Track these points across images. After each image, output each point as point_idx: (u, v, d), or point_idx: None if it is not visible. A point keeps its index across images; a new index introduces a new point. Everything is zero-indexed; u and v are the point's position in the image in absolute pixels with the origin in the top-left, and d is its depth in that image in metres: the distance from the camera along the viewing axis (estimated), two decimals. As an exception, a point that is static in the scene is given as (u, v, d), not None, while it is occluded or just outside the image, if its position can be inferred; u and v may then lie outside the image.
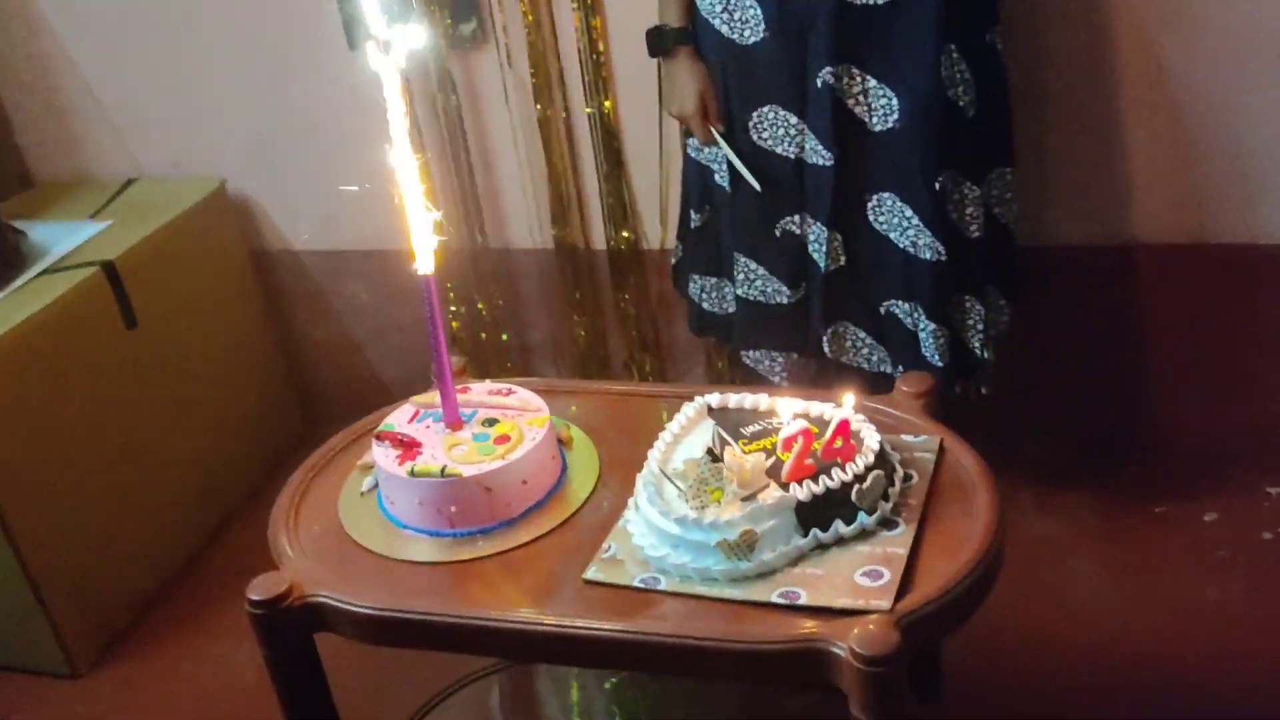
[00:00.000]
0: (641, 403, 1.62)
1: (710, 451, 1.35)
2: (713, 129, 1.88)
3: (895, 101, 1.76)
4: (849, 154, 1.81)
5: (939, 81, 1.74)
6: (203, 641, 2.26)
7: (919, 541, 1.26)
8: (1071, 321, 2.26)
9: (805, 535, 1.26)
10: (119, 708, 2.14)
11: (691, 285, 2.09)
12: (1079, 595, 2.04)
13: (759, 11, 1.77)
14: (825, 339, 1.96)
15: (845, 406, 1.31)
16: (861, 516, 1.27)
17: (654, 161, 2.30)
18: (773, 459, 1.31)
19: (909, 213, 1.81)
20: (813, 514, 1.26)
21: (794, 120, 1.83)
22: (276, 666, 1.37)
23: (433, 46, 2.27)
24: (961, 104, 1.78)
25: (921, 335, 1.88)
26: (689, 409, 1.43)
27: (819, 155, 1.82)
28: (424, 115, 2.39)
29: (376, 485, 1.48)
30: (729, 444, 1.34)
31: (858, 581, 1.22)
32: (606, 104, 2.28)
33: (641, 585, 1.27)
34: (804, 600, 1.21)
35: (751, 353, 2.04)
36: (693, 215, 2.01)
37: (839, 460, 1.29)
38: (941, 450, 1.39)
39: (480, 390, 1.51)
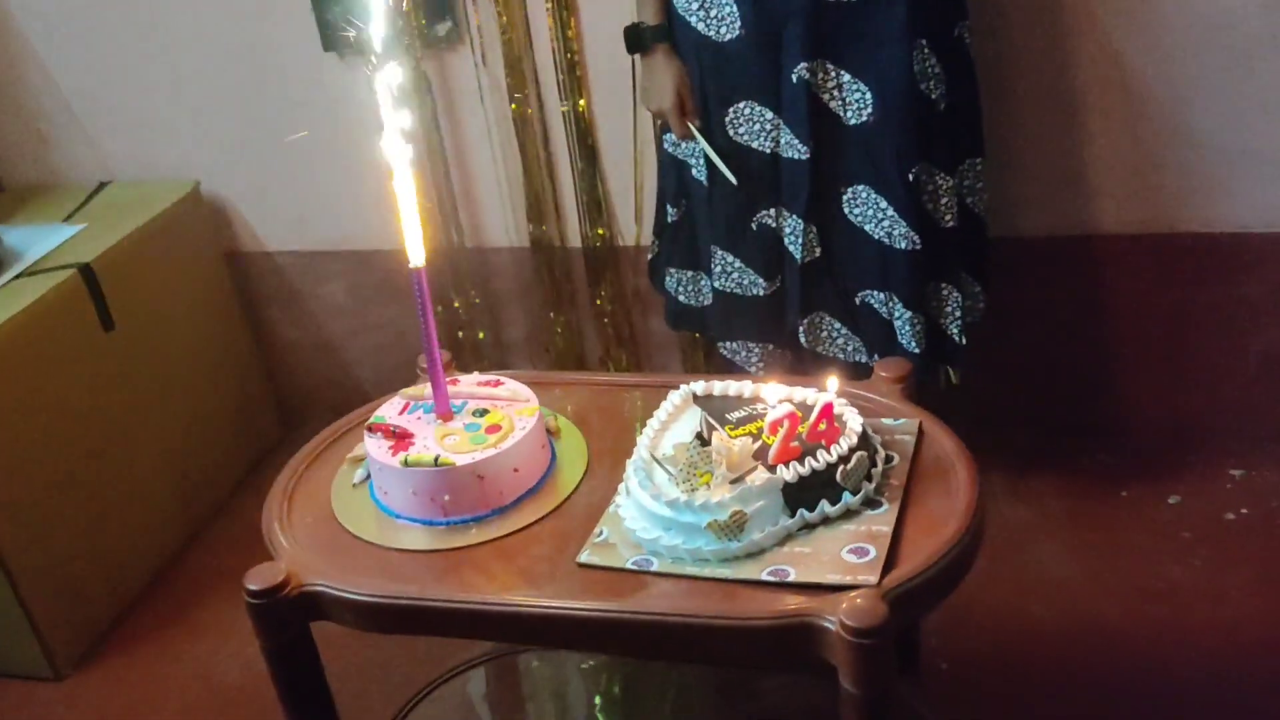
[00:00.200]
0: (625, 393, 1.65)
1: (699, 436, 1.38)
2: (690, 124, 1.92)
3: (869, 95, 1.81)
4: (824, 147, 1.85)
5: (911, 76, 1.79)
6: (184, 642, 2.26)
7: (902, 519, 1.30)
8: (1037, 311, 2.31)
9: (793, 515, 1.29)
10: (101, 709, 2.14)
11: (668, 279, 2.12)
12: (1048, 575, 2.10)
13: (735, 9, 1.81)
14: (801, 329, 2.00)
15: (829, 390, 1.35)
16: (846, 496, 1.31)
17: (628, 159, 2.34)
18: (759, 442, 1.34)
19: (884, 204, 1.86)
20: (799, 494, 1.29)
21: (769, 115, 1.87)
22: (274, 656, 1.38)
23: (407, 46, 2.29)
24: (933, 97, 1.82)
25: (897, 323, 1.92)
26: (675, 396, 1.46)
27: (794, 149, 1.87)
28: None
29: (368, 477, 1.50)
30: (716, 429, 1.37)
31: (845, 558, 1.25)
32: (581, 103, 2.31)
33: (634, 567, 1.29)
34: (793, 577, 1.24)
35: (729, 344, 2.08)
36: (669, 210, 2.05)
37: (823, 443, 1.33)
38: (921, 432, 1.43)
39: (469, 382, 1.54)
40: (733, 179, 1.91)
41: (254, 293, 2.72)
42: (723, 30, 1.84)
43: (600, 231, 2.41)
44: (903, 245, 1.87)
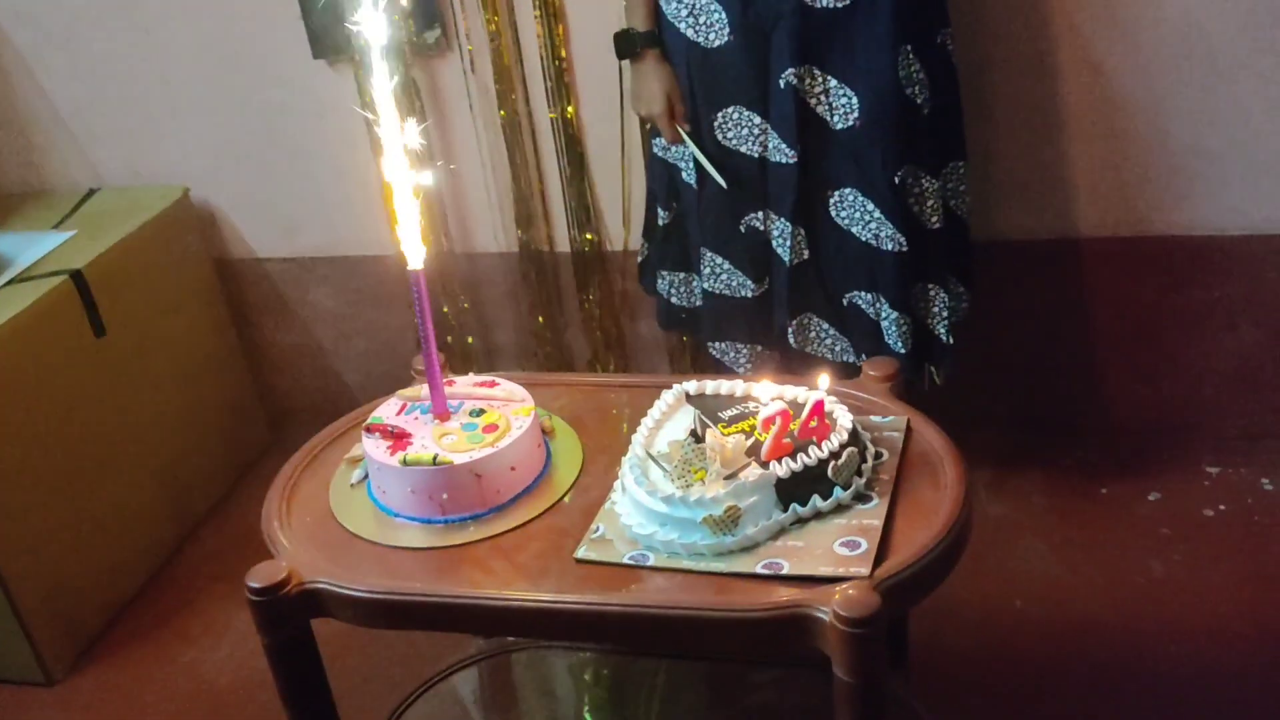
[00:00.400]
0: (618, 393, 1.67)
1: (693, 434, 1.41)
2: (679, 129, 1.95)
3: (855, 100, 1.84)
4: (811, 151, 1.89)
5: (896, 81, 1.83)
6: (175, 646, 2.27)
7: (892, 513, 1.33)
8: (1017, 313, 2.35)
9: (785, 510, 1.32)
10: (93, 714, 2.15)
11: (660, 281, 2.15)
12: (1031, 571, 2.14)
13: (723, 16, 1.85)
14: (790, 330, 2.03)
15: (820, 388, 1.38)
16: (838, 491, 1.34)
17: (616, 165, 2.36)
18: (752, 439, 1.37)
19: (870, 206, 1.90)
20: (792, 489, 1.32)
21: (758, 120, 1.90)
22: (276, 654, 1.39)
23: (397, 53, 2.32)
24: (918, 101, 1.86)
25: (884, 324, 1.96)
26: (668, 396, 1.49)
27: (782, 153, 1.90)
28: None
29: (365, 477, 1.52)
30: (710, 427, 1.40)
31: (837, 551, 1.28)
32: (569, 109, 2.34)
33: (631, 562, 1.32)
34: (787, 570, 1.27)
35: (718, 344, 2.11)
36: (660, 213, 2.08)
37: (815, 439, 1.36)
38: (909, 429, 1.46)
39: (465, 382, 1.56)
40: (722, 182, 1.94)
41: (243, 299, 2.74)
42: (711, 36, 1.87)
43: (588, 236, 2.44)
44: (890, 247, 1.90)
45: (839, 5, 1.80)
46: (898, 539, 1.30)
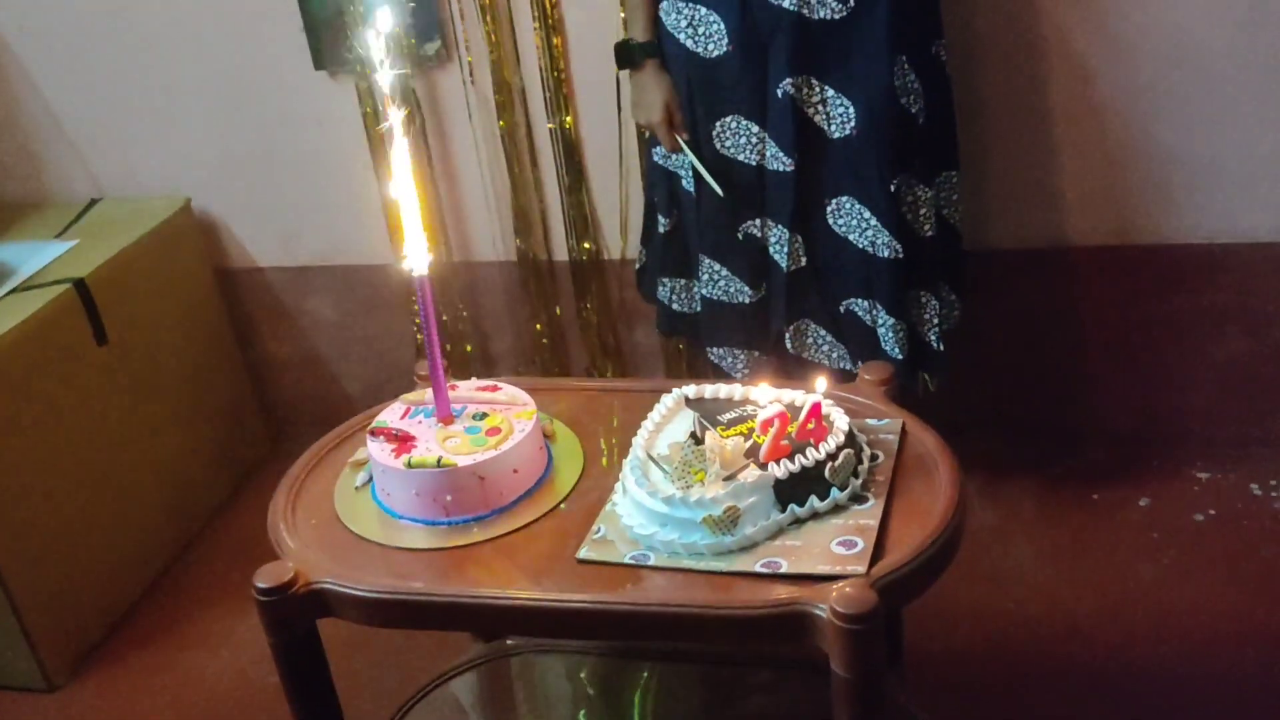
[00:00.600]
0: (617, 398, 1.70)
1: (693, 436, 1.43)
2: (678, 138, 1.98)
3: (852, 110, 1.88)
4: (808, 160, 1.92)
5: (892, 91, 1.86)
6: (176, 652, 2.29)
7: (888, 513, 1.36)
8: (1009, 320, 2.38)
9: (783, 510, 1.34)
10: None
11: (660, 288, 2.18)
12: (1023, 576, 2.16)
13: (722, 27, 1.88)
14: (787, 336, 2.06)
15: (817, 390, 1.41)
16: (834, 492, 1.36)
17: (614, 174, 2.39)
18: (751, 441, 1.40)
19: (867, 214, 1.93)
20: (790, 490, 1.34)
21: (755, 129, 1.93)
22: (282, 653, 1.41)
23: (398, 65, 2.35)
24: (913, 111, 1.90)
25: (881, 330, 1.99)
26: (668, 399, 1.51)
27: (780, 162, 1.93)
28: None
29: (370, 480, 1.54)
30: (709, 429, 1.43)
31: (834, 550, 1.31)
32: (567, 119, 2.37)
33: (632, 562, 1.34)
34: (785, 569, 1.29)
35: (716, 350, 2.14)
36: (660, 220, 2.11)
37: (812, 441, 1.38)
38: (904, 432, 1.49)
39: (468, 387, 1.58)
40: (719, 191, 1.97)
41: (243, 307, 2.76)
42: (710, 47, 1.91)
43: (586, 245, 2.46)
44: (886, 254, 1.93)
45: (836, 17, 1.84)
46: (893, 538, 1.32)
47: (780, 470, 1.35)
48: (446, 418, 1.51)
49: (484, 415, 1.51)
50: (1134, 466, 2.37)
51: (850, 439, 1.41)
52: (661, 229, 2.11)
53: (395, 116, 1.37)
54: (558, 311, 2.56)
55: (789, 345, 2.07)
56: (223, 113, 2.55)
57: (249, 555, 1.49)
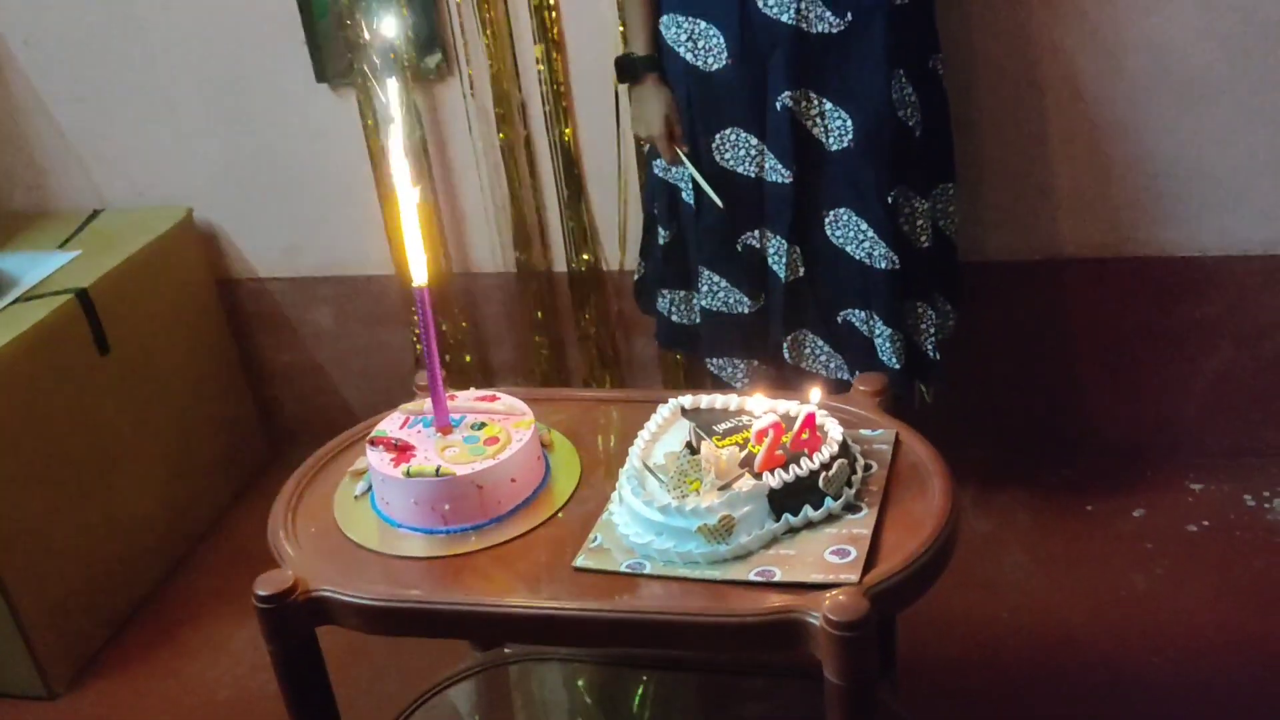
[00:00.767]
0: (615, 408, 1.71)
1: (688, 446, 1.45)
2: (678, 150, 2.00)
3: (850, 123, 1.90)
4: (807, 172, 1.94)
5: (890, 104, 1.88)
6: (176, 660, 2.30)
7: (881, 523, 1.37)
8: (1004, 332, 2.39)
9: (778, 519, 1.36)
10: (96, 727, 2.18)
11: (660, 300, 2.19)
12: (1016, 585, 2.18)
13: (722, 40, 1.90)
14: (785, 346, 2.08)
15: (812, 401, 1.43)
16: (828, 501, 1.38)
17: (613, 187, 2.41)
18: (745, 451, 1.41)
19: (864, 226, 1.95)
20: (784, 500, 1.36)
21: (754, 141, 1.95)
22: (281, 661, 1.43)
23: (399, 78, 2.37)
24: (910, 124, 1.92)
25: (878, 340, 2.00)
26: (664, 410, 1.53)
27: (778, 174, 1.95)
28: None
29: (369, 489, 1.56)
30: (705, 439, 1.44)
31: (827, 559, 1.32)
32: (567, 132, 2.39)
33: (628, 570, 1.35)
34: (779, 577, 1.31)
35: (715, 360, 2.16)
36: (661, 231, 2.12)
37: (806, 451, 1.40)
38: (898, 442, 1.51)
39: (466, 397, 1.60)
40: (719, 203, 1.99)
41: (244, 317, 2.77)
42: (710, 61, 1.93)
43: (585, 257, 2.48)
44: (883, 265, 1.95)
45: (834, 31, 1.86)
46: (886, 547, 1.34)
47: (775, 480, 1.36)
48: (445, 427, 1.52)
49: (482, 425, 1.53)
50: (1128, 477, 2.39)
51: (844, 449, 1.42)
52: (661, 241, 2.12)
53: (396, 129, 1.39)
54: (557, 322, 2.58)
55: (787, 355, 2.09)
56: (225, 124, 2.57)
57: (249, 563, 1.50)
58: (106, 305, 2.34)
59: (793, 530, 1.37)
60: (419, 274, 1.43)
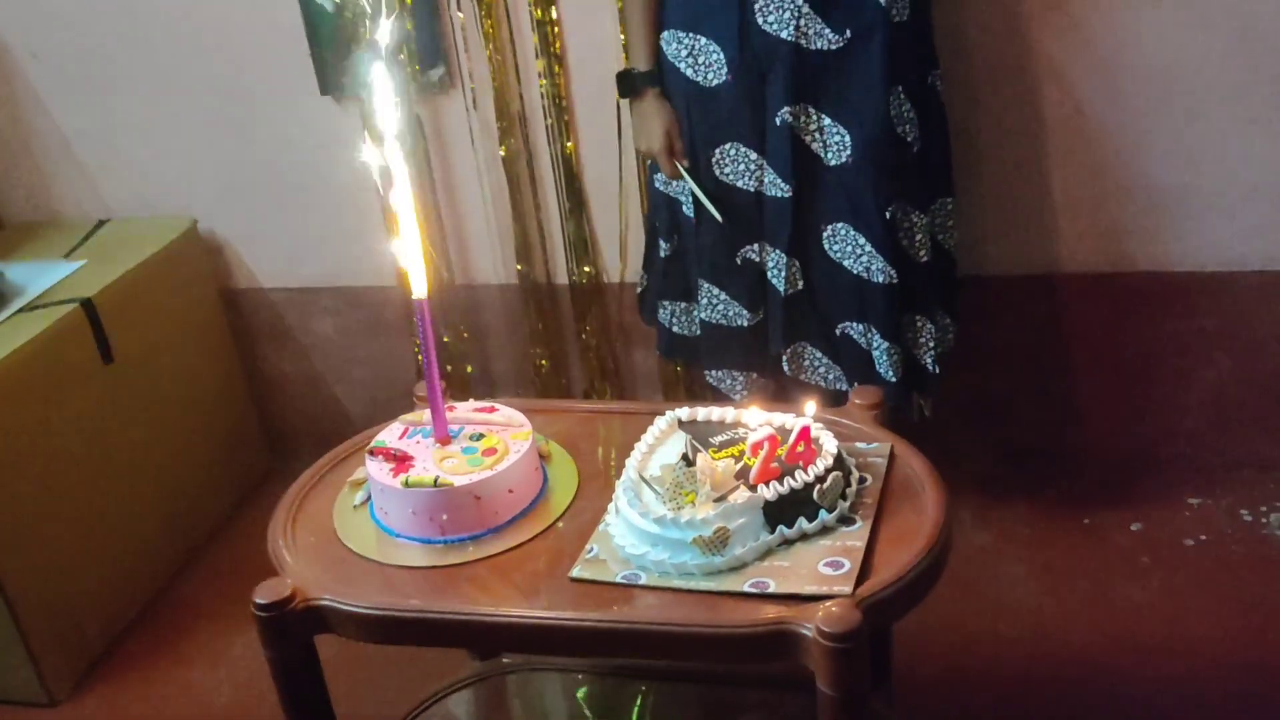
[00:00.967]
0: (612, 420, 1.73)
1: (684, 458, 1.46)
2: (678, 165, 2.02)
3: (848, 138, 1.92)
4: (806, 187, 1.96)
5: (888, 120, 1.90)
6: (176, 668, 2.31)
7: (874, 535, 1.38)
8: (1002, 345, 2.41)
9: (772, 531, 1.37)
10: (96, 734, 2.19)
11: (661, 311, 2.21)
12: (1013, 598, 2.18)
13: (722, 56, 1.92)
14: (784, 359, 2.10)
15: (807, 414, 1.44)
16: (823, 514, 1.39)
17: (614, 200, 2.43)
18: (741, 463, 1.43)
19: (862, 240, 1.96)
20: (779, 512, 1.37)
21: (754, 156, 1.97)
22: (280, 669, 1.44)
23: (402, 91, 2.39)
24: (908, 140, 1.94)
25: (876, 353, 2.02)
26: (661, 422, 1.54)
27: (777, 188, 1.97)
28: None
29: (368, 499, 1.57)
30: (701, 451, 1.45)
31: (821, 571, 1.33)
32: (568, 145, 2.40)
33: (624, 581, 1.37)
34: (773, 589, 1.32)
35: (715, 372, 2.17)
36: (662, 244, 2.14)
37: (801, 464, 1.41)
38: (892, 455, 1.52)
39: (466, 408, 1.61)
40: (718, 217, 2.01)
41: (247, 327, 2.79)
42: (710, 76, 1.95)
43: (586, 269, 2.50)
44: (881, 279, 1.97)
45: (833, 47, 1.88)
46: (879, 559, 1.35)
47: (770, 492, 1.37)
48: (444, 438, 1.54)
49: (481, 436, 1.54)
50: (1126, 491, 2.39)
51: (839, 462, 1.43)
52: (662, 254, 2.14)
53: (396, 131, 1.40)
54: (558, 334, 2.59)
55: (786, 368, 2.10)
56: (229, 136, 2.59)
57: (249, 572, 1.51)
58: (111, 315, 2.35)
59: (787, 542, 1.38)
60: (419, 286, 1.45)
